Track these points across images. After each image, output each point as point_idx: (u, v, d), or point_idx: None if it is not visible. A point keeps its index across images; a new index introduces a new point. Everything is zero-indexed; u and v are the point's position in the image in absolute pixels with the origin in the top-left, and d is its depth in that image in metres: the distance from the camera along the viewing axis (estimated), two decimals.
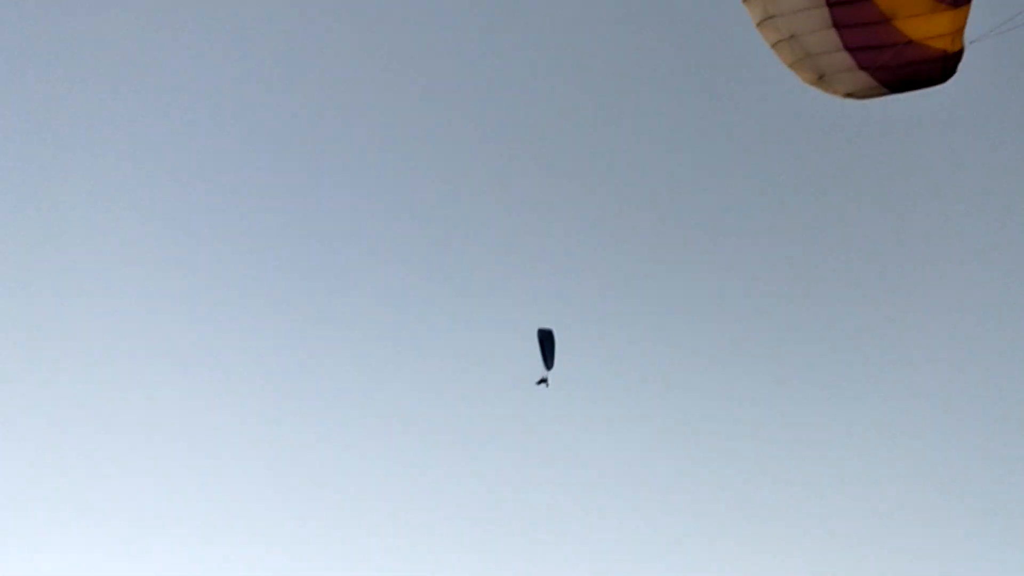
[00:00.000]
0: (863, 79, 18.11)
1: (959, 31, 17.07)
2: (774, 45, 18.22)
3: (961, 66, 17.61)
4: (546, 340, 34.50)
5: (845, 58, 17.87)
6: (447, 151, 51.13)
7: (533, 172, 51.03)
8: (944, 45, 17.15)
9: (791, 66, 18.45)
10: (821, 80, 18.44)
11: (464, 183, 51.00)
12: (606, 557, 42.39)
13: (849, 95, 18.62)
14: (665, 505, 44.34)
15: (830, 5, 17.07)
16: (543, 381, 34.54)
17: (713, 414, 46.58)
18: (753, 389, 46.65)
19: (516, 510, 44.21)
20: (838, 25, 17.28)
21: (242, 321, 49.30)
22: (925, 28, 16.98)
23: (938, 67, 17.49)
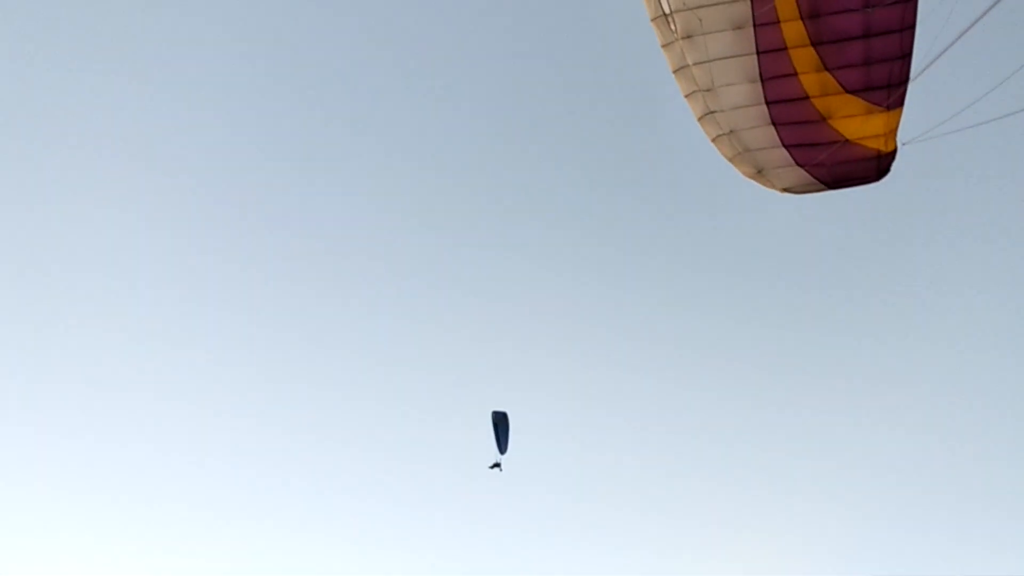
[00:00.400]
0: (800, 175, 18.49)
1: (892, 132, 17.56)
2: (715, 139, 18.55)
3: (895, 166, 18.09)
4: (500, 424, 34.18)
5: (783, 154, 18.24)
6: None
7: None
8: (878, 145, 17.60)
9: (731, 160, 18.78)
10: (759, 174, 18.78)
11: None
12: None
13: (786, 190, 18.98)
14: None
15: (768, 103, 17.47)
16: (496, 466, 34.25)
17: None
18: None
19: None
20: (776, 122, 17.67)
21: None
22: (860, 128, 17.43)
23: (873, 166, 17.93)
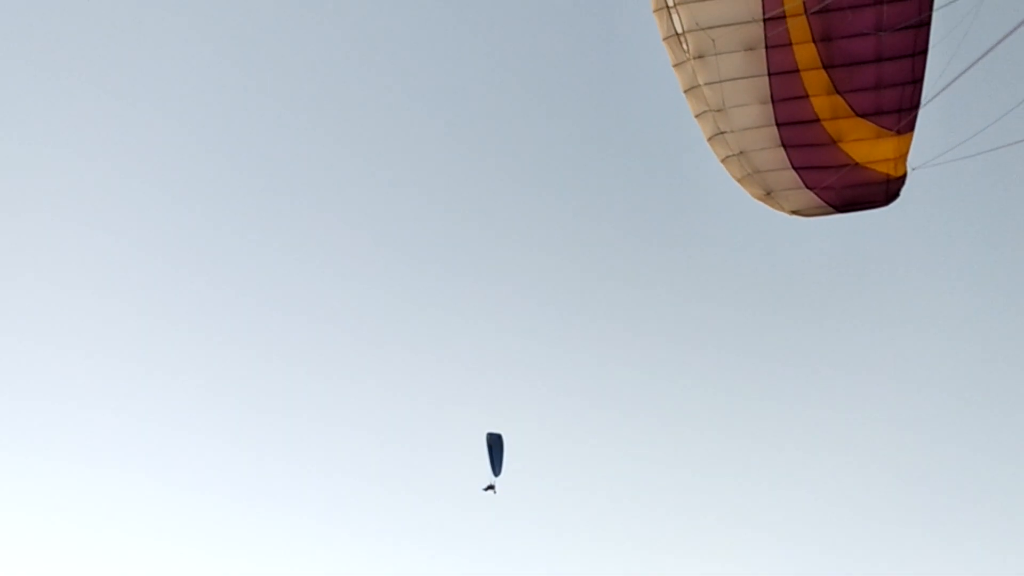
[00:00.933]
0: (809, 198, 18.46)
1: (902, 157, 17.54)
2: (724, 160, 18.55)
3: (904, 190, 18.06)
4: (495, 445, 34.10)
5: (792, 176, 18.22)
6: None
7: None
8: (888, 169, 17.57)
9: (740, 181, 18.77)
10: (768, 196, 18.76)
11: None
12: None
13: (795, 212, 18.95)
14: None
15: (779, 124, 17.47)
16: (491, 487, 34.13)
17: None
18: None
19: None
20: (786, 144, 17.66)
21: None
22: (870, 152, 17.41)
23: (881, 190, 17.90)
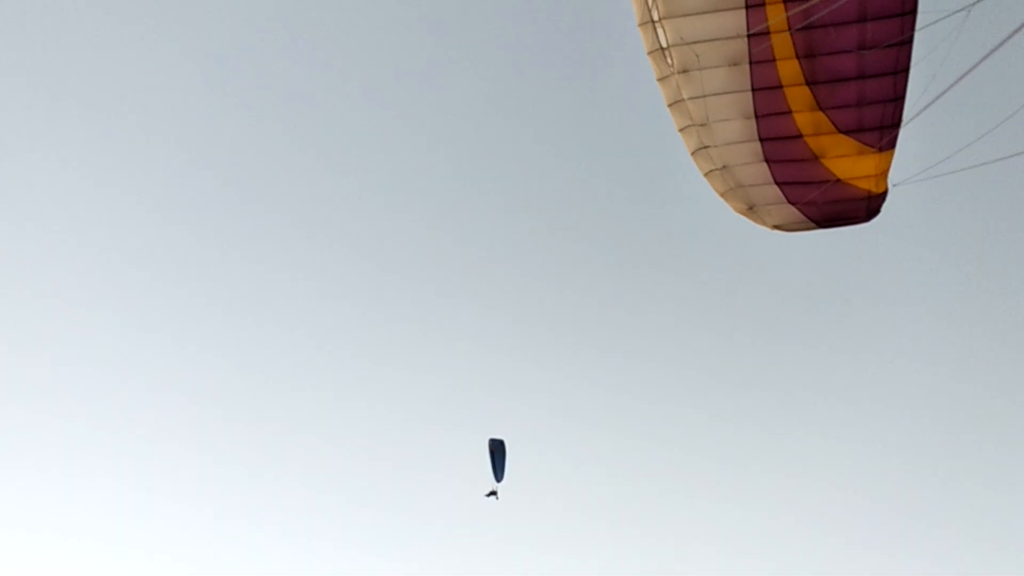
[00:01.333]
0: (791, 213, 18.55)
1: (883, 173, 17.65)
2: (707, 174, 18.62)
3: (885, 207, 18.18)
4: (497, 451, 34.06)
5: (775, 192, 18.31)
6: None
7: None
8: (869, 186, 17.69)
9: (722, 195, 18.85)
10: (751, 211, 18.84)
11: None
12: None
13: (777, 227, 19.04)
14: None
15: (762, 140, 17.56)
16: (493, 493, 34.04)
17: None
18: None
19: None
20: (769, 159, 17.75)
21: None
22: (852, 168, 17.52)
23: (863, 206, 18.01)
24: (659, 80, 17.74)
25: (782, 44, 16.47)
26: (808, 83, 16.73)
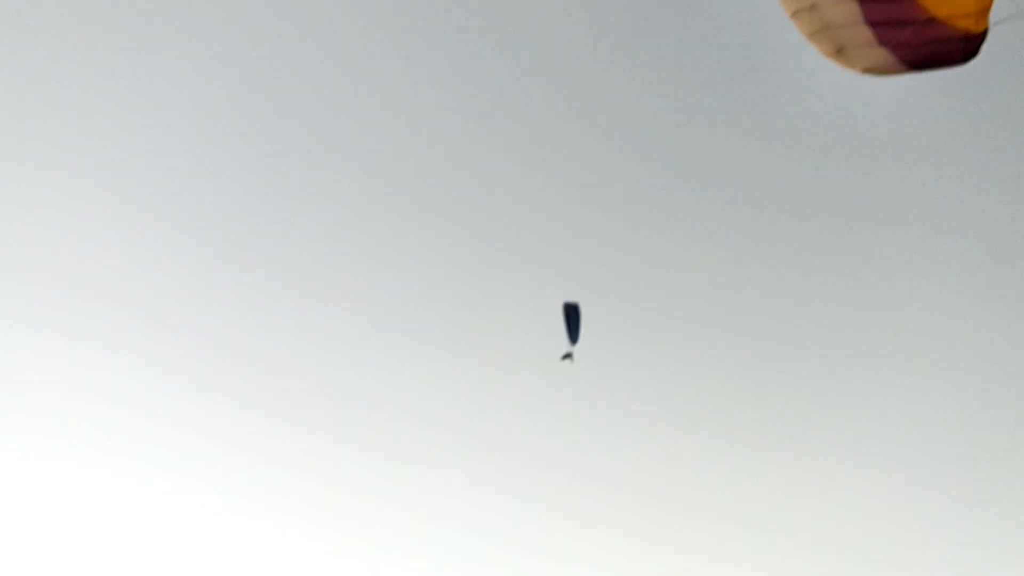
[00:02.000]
0: (882, 55, 17.59)
1: (985, 11, 16.48)
2: (793, 14, 17.73)
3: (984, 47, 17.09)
4: (572, 314, 34.21)
5: (865, 32, 17.34)
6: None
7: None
8: (967, 25, 16.58)
9: (810, 37, 17.96)
10: (839, 54, 17.94)
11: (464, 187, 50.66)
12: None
13: (867, 71, 18.10)
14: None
15: None
16: (568, 356, 34.15)
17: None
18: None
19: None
20: None
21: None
22: (949, 6, 16.43)
23: (959, 47, 16.93)
24: None
25: None
26: None
